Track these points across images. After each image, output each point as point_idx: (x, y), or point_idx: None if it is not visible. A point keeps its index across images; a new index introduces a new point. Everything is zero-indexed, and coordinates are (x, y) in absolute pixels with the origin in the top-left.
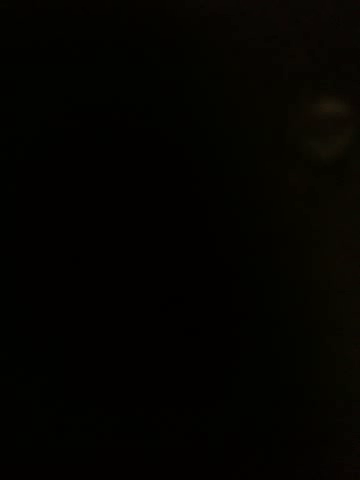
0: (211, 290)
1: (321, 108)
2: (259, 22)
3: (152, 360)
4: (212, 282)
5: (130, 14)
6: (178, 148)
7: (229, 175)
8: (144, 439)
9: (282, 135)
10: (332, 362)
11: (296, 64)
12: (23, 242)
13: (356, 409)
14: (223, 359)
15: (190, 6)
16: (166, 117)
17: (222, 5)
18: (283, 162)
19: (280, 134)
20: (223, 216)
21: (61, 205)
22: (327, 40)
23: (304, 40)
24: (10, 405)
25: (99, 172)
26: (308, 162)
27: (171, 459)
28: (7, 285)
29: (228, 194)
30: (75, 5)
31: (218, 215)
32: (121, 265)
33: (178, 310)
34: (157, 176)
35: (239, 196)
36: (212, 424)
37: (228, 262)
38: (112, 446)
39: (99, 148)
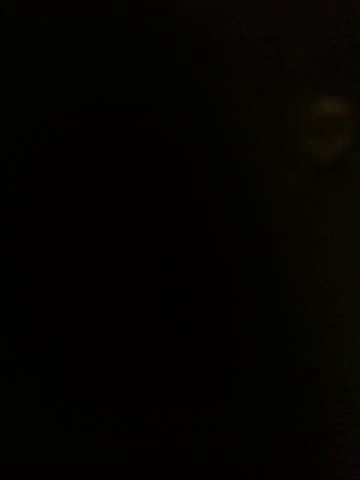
0: (211, 290)
1: (321, 108)
2: (259, 22)
3: (152, 360)
4: (212, 282)
5: (130, 14)
6: (178, 148)
7: (229, 175)
8: (144, 439)
9: (282, 135)
10: (332, 362)
11: (296, 64)
12: (23, 242)
13: (356, 409)
14: (223, 359)
15: (190, 6)
16: (166, 117)
17: (222, 5)
18: (283, 162)
19: (280, 134)
20: (223, 216)
21: (61, 205)
22: (327, 40)
23: (304, 40)
24: (10, 405)
25: (99, 172)
26: (308, 162)
27: (171, 459)
28: (7, 285)
29: (228, 194)
30: (75, 5)
31: (218, 215)
32: (121, 264)
33: (178, 309)
34: (157, 176)
35: (239, 196)
36: (212, 424)
37: (228, 262)
38: (112, 446)
39: (99, 148)
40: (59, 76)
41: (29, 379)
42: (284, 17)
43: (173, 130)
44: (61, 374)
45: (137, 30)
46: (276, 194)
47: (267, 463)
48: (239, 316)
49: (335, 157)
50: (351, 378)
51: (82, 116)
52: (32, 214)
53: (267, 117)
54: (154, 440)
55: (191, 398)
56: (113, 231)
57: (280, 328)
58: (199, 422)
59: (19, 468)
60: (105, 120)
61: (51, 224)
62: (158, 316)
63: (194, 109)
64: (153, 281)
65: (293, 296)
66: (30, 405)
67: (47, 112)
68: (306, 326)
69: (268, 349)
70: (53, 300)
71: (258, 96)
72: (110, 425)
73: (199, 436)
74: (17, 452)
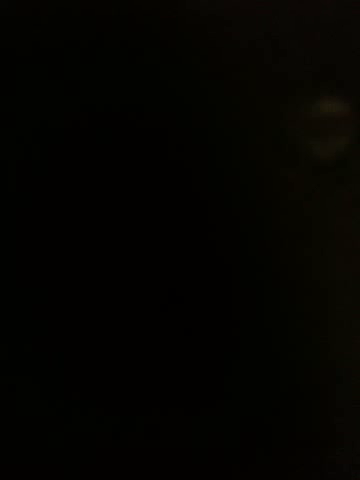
0: (210, 289)
1: (321, 108)
2: (259, 22)
3: (152, 360)
4: (211, 281)
5: (129, 14)
6: (178, 148)
7: (229, 175)
8: (144, 439)
9: (282, 135)
10: (332, 362)
11: (296, 64)
12: (23, 242)
13: (356, 409)
14: (223, 359)
15: (189, 6)
16: (166, 117)
17: (222, 5)
18: (283, 162)
19: (280, 134)
20: (223, 216)
21: (61, 205)
22: (327, 40)
23: (304, 40)
24: (10, 405)
25: (99, 172)
26: (308, 162)
27: (171, 459)
28: (7, 285)
29: (228, 194)
30: (74, 5)
31: (218, 216)
32: (121, 264)
33: (177, 309)
34: (157, 176)
35: (239, 196)
36: (212, 424)
37: (227, 261)
38: (112, 446)
39: (98, 148)
40: (57, 76)
41: (29, 379)
42: (284, 17)
43: (173, 130)
44: (61, 373)
45: (136, 30)
46: (276, 194)
47: (267, 463)
48: (239, 316)
49: (335, 157)
50: (351, 378)
51: (82, 116)
52: (32, 214)
53: (267, 117)
54: (154, 440)
55: (191, 398)
56: (113, 231)
57: (280, 328)
58: (199, 422)
59: (19, 468)
60: (104, 120)
61: (51, 224)
62: (158, 315)
63: (194, 109)
64: (153, 280)
65: (293, 296)
66: (30, 405)
67: (46, 112)
68: (306, 326)
69: (268, 349)
70: (53, 299)
71: (258, 96)
72: (110, 425)
73: (199, 436)
74: (17, 452)
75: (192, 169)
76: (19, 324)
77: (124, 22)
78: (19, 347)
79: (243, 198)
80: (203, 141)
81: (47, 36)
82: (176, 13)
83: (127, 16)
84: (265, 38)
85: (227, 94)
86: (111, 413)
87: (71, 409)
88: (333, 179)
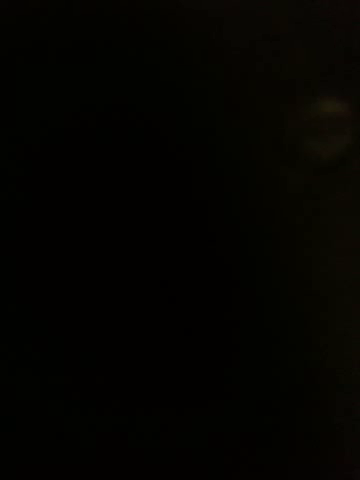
0: (210, 290)
1: (321, 108)
2: (259, 22)
3: (151, 360)
4: (211, 281)
5: (128, 14)
6: (178, 148)
7: (228, 175)
8: (144, 439)
9: (282, 135)
10: (332, 362)
11: (296, 64)
12: (23, 242)
13: (356, 409)
14: (222, 359)
15: (189, 6)
16: (166, 117)
17: (221, 5)
18: (283, 162)
19: (280, 134)
20: (222, 216)
21: (61, 206)
22: (327, 40)
23: (304, 40)
24: (10, 405)
25: (99, 172)
26: (308, 162)
27: (171, 459)
28: (7, 285)
29: (227, 194)
30: (74, 5)
31: (218, 216)
32: (120, 265)
33: (177, 309)
34: (157, 176)
35: (239, 196)
36: (212, 424)
37: (227, 262)
38: (111, 446)
39: (98, 148)
40: (56, 76)
41: (29, 378)
42: (284, 17)
43: (173, 130)
44: (60, 373)
45: (136, 30)
46: (276, 194)
47: (267, 463)
48: (238, 316)
49: (335, 157)
50: (351, 378)
51: (80, 116)
52: (32, 214)
53: (267, 117)
54: (153, 440)
55: (191, 398)
56: (113, 231)
57: (280, 327)
58: (199, 423)
59: (19, 468)
60: (103, 120)
61: (51, 224)
62: (157, 315)
63: (193, 109)
64: (152, 280)
65: (292, 296)
66: (29, 405)
67: (45, 112)
68: (306, 325)
69: (267, 349)
70: (52, 299)
71: (258, 96)
72: (109, 425)
73: (199, 436)
74: (17, 452)
75: (192, 169)
76: (19, 324)
77: (124, 22)
78: (19, 347)
79: (243, 198)
80: (203, 141)
81: (47, 36)
82: (176, 13)
83: (127, 16)
84: (265, 38)
85: (227, 94)
86: (111, 413)
87: (71, 408)
88: (333, 179)
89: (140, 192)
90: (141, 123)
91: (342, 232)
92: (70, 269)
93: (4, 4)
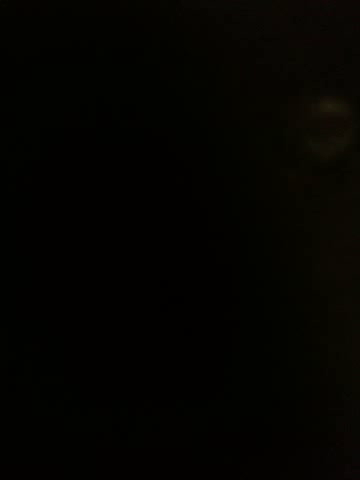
0: (210, 289)
1: (321, 108)
2: (259, 22)
3: (151, 359)
4: (211, 281)
5: (128, 14)
6: (178, 148)
7: (229, 175)
8: (144, 439)
9: (282, 135)
10: (332, 362)
11: (296, 64)
12: (23, 242)
13: (356, 409)
14: (222, 359)
15: (189, 6)
16: (166, 117)
17: (221, 5)
18: (283, 162)
19: (280, 134)
20: (223, 216)
21: (61, 206)
22: (327, 40)
23: (304, 40)
24: (10, 405)
25: (99, 171)
26: (308, 162)
27: (170, 459)
28: (7, 285)
29: (228, 194)
30: (74, 5)
31: (217, 216)
32: (120, 265)
33: (177, 309)
34: (157, 176)
35: (239, 196)
36: (212, 423)
37: (227, 262)
38: (111, 446)
39: (97, 148)
40: (56, 76)
41: (28, 378)
42: (284, 17)
43: (173, 130)
44: (60, 372)
45: (136, 30)
46: (276, 194)
47: (267, 463)
48: (238, 316)
49: (335, 157)
50: (351, 378)
51: (80, 116)
52: (32, 214)
53: (267, 117)
54: (153, 440)
55: (191, 398)
56: (112, 231)
57: (280, 327)
58: (199, 423)
59: (19, 468)
60: (103, 120)
61: (51, 224)
62: (157, 314)
63: (194, 109)
64: (153, 280)
65: (292, 296)
66: (30, 405)
67: (45, 113)
68: (306, 326)
69: (267, 349)
70: (52, 299)
71: (258, 96)
72: (109, 424)
73: (199, 437)
74: (17, 452)
75: (192, 169)
76: (19, 323)
77: (124, 22)
78: (19, 347)
79: (243, 198)
80: (203, 141)
81: (47, 36)
82: (176, 13)
83: (127, 16)
84: (265, 38)
85: (227, 94)
86: (110, 413)
87: (70, 408)
88: (333, 179)
89: (140, 193)
90: (141, 123)
91: (342, 232)
92: (70, 269)
93: (4, 4)
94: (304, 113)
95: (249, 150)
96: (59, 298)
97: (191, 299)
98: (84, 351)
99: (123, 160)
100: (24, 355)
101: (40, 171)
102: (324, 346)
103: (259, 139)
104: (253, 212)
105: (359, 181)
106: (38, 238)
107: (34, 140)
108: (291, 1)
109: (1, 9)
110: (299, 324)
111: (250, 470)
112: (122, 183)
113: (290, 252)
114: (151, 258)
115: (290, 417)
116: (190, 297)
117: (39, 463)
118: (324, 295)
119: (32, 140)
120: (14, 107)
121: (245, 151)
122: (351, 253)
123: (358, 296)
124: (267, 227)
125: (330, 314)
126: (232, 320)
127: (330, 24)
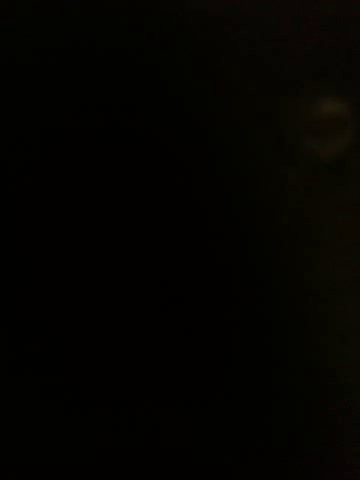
0: (210, 289)
1: (321, 108)
2: (259, 22)
3: (151, 359)
4: (210, 281)
5: (129, 14)
6: (178, 148)
7: (229, 175)
8: (144, 439)
9: (282, 135)
10: (332, 362)
11: (296, 64)
12: (23, 242)
13: (356, 409)
14: (222, 359)
15: (189, 6)
16: (165, 117)
17: (221, 5)
18: (283, 162)
19: (280, 134)
20: (222, 216)
21: (61, 206)
22: (327, 40)
23: (304, 40)
24: (10, 405)
25: (99, 171)
26: (308, 162)
27: (170, 458)
28: (7, 285)
29: (227, 194)
30: (73, 5)
31: (217, 216)
32: (120, 265)
33: (176, 309)
34: (157, 176)
35: (239, 196)
36: (212, 423)
37: (227, 261)
38: (111, 446)
39: (97, 148)
40: (56, 77)
41: (28, 377)
42: (284, 17)
43: (173, 130)
44: (60, 372)
45: (136, 30)
46: (276, 194)
47: (267, 463)
48: (238, 316)
49: (335, 157)
50: (351, 378)
51: (80, 117)
52: (32, 214)
53: (267, 117)
54: (153, 440)
55: (191, 398)
56: (113, 231)
57: (280, 327)
58: (199, 423)
59: (19, 468)
60: (103, 120)
61: (51, 224)
62: (157, 314)
63: (194, 109)
64: (152, 280)
65: (292, 296)
66: (29, 405)
67: (45, 113)
68: (305, 326)
69: (267, 349)
70: (52, 299)
71: (258, 96)
72: (108, 424)
73: (199, 437)
74: (17, 452)
75: (192, 169)
76: (19, 323)
77: (124, 22)
78: (19, 346)
79: (243, 198)
80: (203, 141)
81: (48, 36)
82: (176, 13)
83: (127, 16)
84: (265, 38)
85: (227, 94)
86: (110, 412)
87: (70, 408)
88: (333, 179)
89: (140, 193)
90: (142, 123)
91: (342, 232)
92: (70, 269)
93: (4, 4)
94: (304, 113)
95: (249, 150)
96: (59, 298)
97: (191, 299)
98: (84, 351)
99: (123, 160)
100: (24, 355)
101: (40, 171)
102: (324, 346)
103: (259, 139)
104: (253, 212)
105: (359, 181)
106: (38, 238)
107: (34, 140)
108: (291, 1)
109: (1, 9)
110: (299, 324)
111: (250, 470)
112: (122, 183)
113: (290, 252)
114: (151, 257)
115: (290, 417)
116: (190, 297)
117: (39, 463)
118: (324, 295)
119: (32, 140)
120: (14, 107)
121: (245, 151)
122: (351, 253)
123: (358, 296)
124: (267, 227)
125: (330, 314)
126: (232, 320)
127: (330, 24)
